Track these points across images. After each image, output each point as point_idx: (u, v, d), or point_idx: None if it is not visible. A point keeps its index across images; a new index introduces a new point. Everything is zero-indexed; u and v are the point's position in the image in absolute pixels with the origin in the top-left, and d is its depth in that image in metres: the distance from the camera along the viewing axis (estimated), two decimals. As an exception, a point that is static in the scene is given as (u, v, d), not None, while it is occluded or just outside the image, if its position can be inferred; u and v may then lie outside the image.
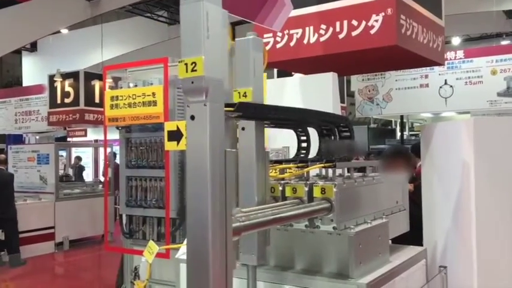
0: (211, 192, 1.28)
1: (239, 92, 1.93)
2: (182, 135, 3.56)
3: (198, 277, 1.29)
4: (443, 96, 8.94)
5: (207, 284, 1.26)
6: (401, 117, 12.15)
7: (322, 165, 2.24)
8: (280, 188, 2.13)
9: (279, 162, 2.37)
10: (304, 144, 2.49)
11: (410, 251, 2.58)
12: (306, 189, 2.11)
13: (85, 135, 14.12)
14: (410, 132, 14.86)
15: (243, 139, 1.74)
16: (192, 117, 1.29)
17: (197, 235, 1.31)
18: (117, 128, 3.83)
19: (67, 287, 5.38)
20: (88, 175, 12.08)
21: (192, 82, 1.29)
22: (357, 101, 10.04)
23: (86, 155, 12.58)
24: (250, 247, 1.83)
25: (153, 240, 2.84)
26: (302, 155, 2.47)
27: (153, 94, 3.49)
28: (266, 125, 2.13)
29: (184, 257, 2.99)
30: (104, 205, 3.94)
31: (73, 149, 13.25)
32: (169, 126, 3.55)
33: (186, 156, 1.33)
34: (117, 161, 4.38)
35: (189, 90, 1.30)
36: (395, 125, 15.47)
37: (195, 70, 1.28)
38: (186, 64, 1.28)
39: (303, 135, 2.47)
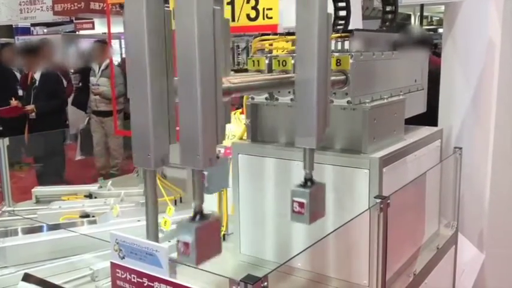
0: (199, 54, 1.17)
1: None
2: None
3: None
4: (469, -18, 8.38)
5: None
6: (421, 7, 11.58)
7: (338, 35, 2.08)
8: (292, 61, 1.99)
9: (292, 33, 2.21)
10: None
11: (426, 131, 2.50)
12: (320, 61, 1.98)
13: (93, 27, 13.72)
14: (428, 27, 14.23)
15: None
16: None
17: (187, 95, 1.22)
18: (121, 7, 3.63)
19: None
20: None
21: None
22: (375, -11, 9.48)
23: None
24: (309, 129, 1.61)
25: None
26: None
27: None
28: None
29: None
30: (112, 93, 3.86)
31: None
32: (176, 3, 3.34)
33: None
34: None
35: None
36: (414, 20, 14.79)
37: None
38: None
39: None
